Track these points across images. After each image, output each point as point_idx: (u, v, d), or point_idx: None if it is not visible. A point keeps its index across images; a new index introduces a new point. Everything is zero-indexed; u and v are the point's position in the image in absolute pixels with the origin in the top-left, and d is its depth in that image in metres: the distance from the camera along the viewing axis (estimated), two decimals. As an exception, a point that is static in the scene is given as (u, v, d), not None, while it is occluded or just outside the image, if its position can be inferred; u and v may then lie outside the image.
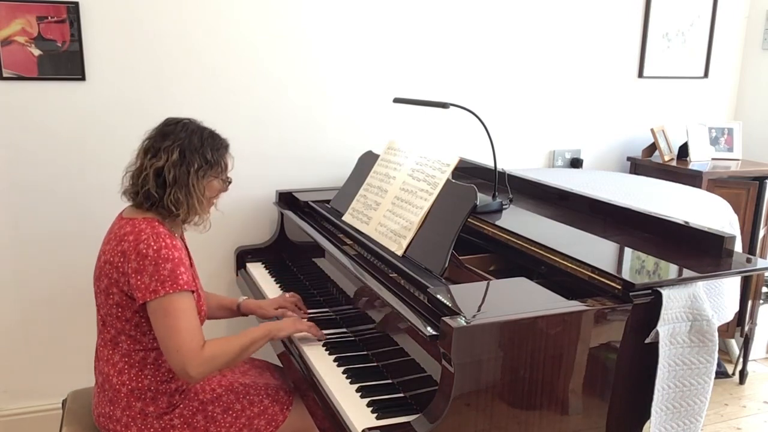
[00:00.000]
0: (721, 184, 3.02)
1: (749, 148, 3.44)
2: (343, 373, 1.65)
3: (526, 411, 1.39)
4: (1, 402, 2.52)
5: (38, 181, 2.40)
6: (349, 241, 2.07)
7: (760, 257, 3.13)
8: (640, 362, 1.47)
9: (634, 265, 1.63)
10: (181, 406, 1.69)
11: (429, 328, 1.39)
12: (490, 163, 2.18)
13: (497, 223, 1.92)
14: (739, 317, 3.07)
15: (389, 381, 1.60)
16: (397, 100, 2.41)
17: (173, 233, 1.68)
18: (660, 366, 1.44)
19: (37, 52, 2.30)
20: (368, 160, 2.29)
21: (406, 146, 2.13)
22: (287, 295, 2.06)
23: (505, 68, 3.01)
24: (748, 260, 1.71)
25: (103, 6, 2.35)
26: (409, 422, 1.33)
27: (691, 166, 3.10)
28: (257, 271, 2.47)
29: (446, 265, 1.66)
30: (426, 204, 1.84)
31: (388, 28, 2.75)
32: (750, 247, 3.11)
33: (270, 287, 2.29)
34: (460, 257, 1.78)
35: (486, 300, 1.46)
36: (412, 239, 1.81)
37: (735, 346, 3.32)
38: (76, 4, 2.31)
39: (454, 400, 1.28)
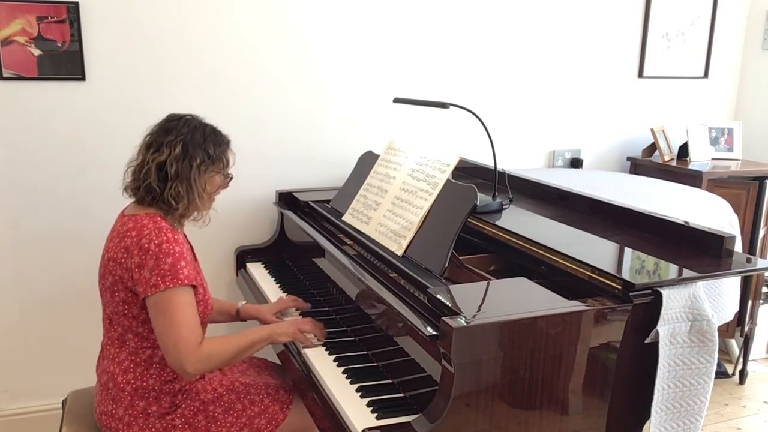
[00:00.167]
0: (721, 184, 3.02)
1: (749, 148, 3.44)
2: (343, 373, 1.65)
3: (526, 411, 1.39)
4: (1, 402, 2.52)
5: (38, 181, 2.40)
6: (349, 241, 2.07)
7: (760, 257, 3.13)
8: (640, 362, 1.47)
9: (634, 265, 1.63)
10: (183, 406, 1.69)
11: (429, 328, 1.39)
12: (490, 163, 2.18)
13: (497, 223, 1.92)
14: (739, 317, 3.07)
15: (389, 381, 1.60)
16: (397, 100, 2.41)
17: (175, 228, 1.69)
18: (660, 366, 1.44)
19: (37, 52, 2.30)
20: (368, 160, 2.29)
21: (406, 146, 2.13)
22: (285, 297, 2.06)
23: (505, 68, 3.01)
24: (748, 260, 1.71)
25: (103, 6, 2.35)
26: (409, 422, 1.33)
27: (691, 166, 3.10)
28: (257, 271, 2.47)
29: (446, 265, 1.66)
30: (426, 204, 1.84)
31: (388, 28, 2.76)
32: (750, 247, 3.12)
33: (270, 287, 2.29)
34: (460, 257, 1.78)
35: (486, 300, 1.46)
36: (412, 239, 1.81)
37: (735, 346, 3.32)
38: (76, 4, 2.31)
39: (454, 400, 1.29)
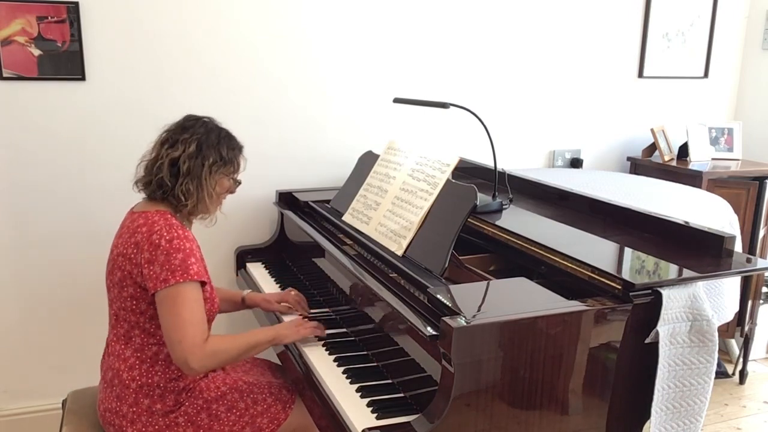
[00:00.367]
0: (721, 184, 3.02)
1: (749, 148, 3.44)
2: (343, 373, 1.65)
3: (526, 411, 1.39)
4: (1, 402, 2.52)
5: (38, 181, 2.40)
6: (349, 241, 2.07)
7: (760, 257, 3.13)
8: (640, 362, 1.47)
9: (634, 265, 1.63)
10: (187, 404, 1.70)
11: (429, 328, 1.39)
12: (490, 163, 2.18)
13: (497, 223, 1.92)
14: (739, 317, 3.07)
15: (389, 381, 1.60)
16: (397, 100, 2.41)
17: (185, 226, 1.71)
18: (660, 366, 1.44)
19: (37, 52, 2.30)
20: (368, 160, 2.29)
21: (406, 146, 2.13)
22: (292, 292, 2.07)
23: (505, 68, 3.01)
24: (748, 260, 1.71)
25: (103, 6, 2.35)
26: (409, 422, 1.33)
27: (691, 166, 3.10)
28: (257, 271, 2.47)
29: (446, 265, 1.66)
30: (426, 204, 1.84)
31: (388, 28, 2.75)
32: (750, 247, 3.11)
33: (270, 287, 2.29)
34: (460, 257, 1.78)
35: (486, 300, 1.46)
36: (412, 239, 1.81)
37: (735, 346, 3.32)
38: (76, 4, 2.31)
39: (454, 400, 1.29)
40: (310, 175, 2.75)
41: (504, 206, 2.10)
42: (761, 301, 3.20)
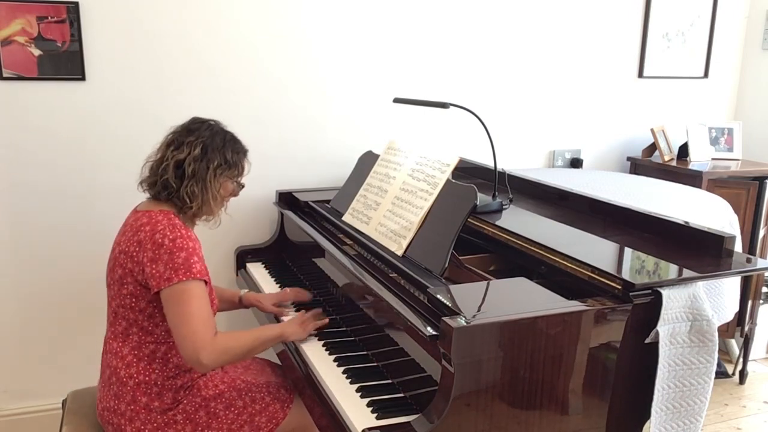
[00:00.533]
0: (721, 184, 3.02)
1: (749, 148, 3.44)
2: (343, 373, 1.65)
3: (526, 411, 1.39)
4: (1, 402, 2.52)
5: (38, 181, 2.40)
6: (349, 241, 2.07)
7: (760, 257, 3.13)
8: (640, 362, 1.47)
9: (634, 265, 1.63)
10: (185, 402, 1.70)
11: (429, 328, 1.39)
12: (490, 163, 2.18)
13: (497, 223, 1.92)
14: (739, 317, 3.07)
15: (389, 381, 1.60)
16: (397, 100, 2.41)
17: (188, 226, 1.73)
18: (660, 366, 1.44)
19: (37, 52, 2.30)
20: (368, 160, 2.29)
21: (406, 146, 2.13)
22: (288, 290, 2.09)
23: (505, 68, 3.01)
24: (748, 260, 1.71)
25: (103, 6, 2.35)
26: (409, 422, 1.33)
27: (691, 166, 3.10)
28: (257, 271, 2.47)
29: (446, 265, 1.66)
30: (426, 204, 1.84)
31: (388, 28, 2.75)
32: (750, 247, 3.11)
33: (270, 287, 2.29)
34: (460, 257, 1.78)
35: (486, 300, 1.46)
36: (412, 239, 1.81)
37: (735, 346, 3.32)
38: (76, 4, 2.31)
39: (454, 400, 1.29)
40: (310, 175, 2.75)
41: (504, 206, 2.10)
42: (761, 301, 3.20)
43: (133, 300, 1.66)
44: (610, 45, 3.20)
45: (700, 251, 1.69)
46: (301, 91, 2.68)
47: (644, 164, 3.27)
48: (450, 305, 1.38)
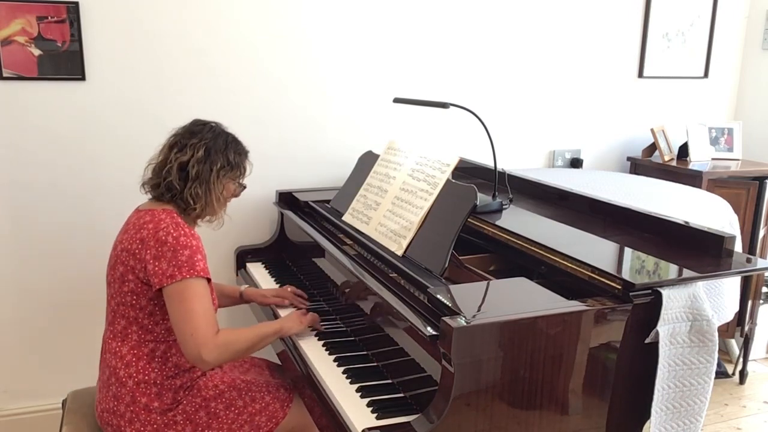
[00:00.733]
0: (721, 184, 3.02)
1: (749, 148, 3.44)
2: (343, 373, 1.65)
3: (526, 411, 1.39)
4: (1, 402, 2.52)
5: (38, 181, 2.40)
6: (349, 241, 2.07)
7: (760, 257, 3.13)
8: (640, 362, 1.47)
9: (634, 265, 1.63)
10: (185, 402, 1.70)
11: (429, 328, 1.39)
12: (490, 163, 2.18)
13: (497, 223, 1.92)
14: (739, 317, 3.07)
15: (389, 381, 1.60)
16: (397, 100, 2.41)
17: (190, 226, 1.74)
18: (660, 366, 1.44)
19: (37, 52, 2.30)
20: (368, 160, 2.29)
21: (406, 146, 2.13)
22: (288, 288, 2.11)
23: (505, 68, 3.01)
24: (748, 260, 1.71)
25: (103, 6, 2.35)
26: (409, 422, 1.33)
27: (691, 166, 3.10)
28: (257, 271, 2.47)
29: (446, 265, 1.66)
30: (426, 204, 1.84)
31: (388, 28, 2.75)
32: (750, 247, 3.11)
33: (270, 287, 2.29)
34: (460, 257, 1.78)
35: (486, 300, 1.46)
36: (412, 239, 1.81)
37: (735, 346, 3.32)
38: (76, 4, 2.31)
39: (454, 400, 1.29)
40: (310, 175, 2.75)
41: (504, 206, 2.10)
42: (761, 301, 3.20)
43: (134, 298, 1.66)
44: (610, 45, 3.20)
45: (700, 251, 1.69)
46: (301, 91, 2.68)
47: (644, 164, 3.27)
48: (450, 305, 1.38)
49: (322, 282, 2.12)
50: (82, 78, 2.37)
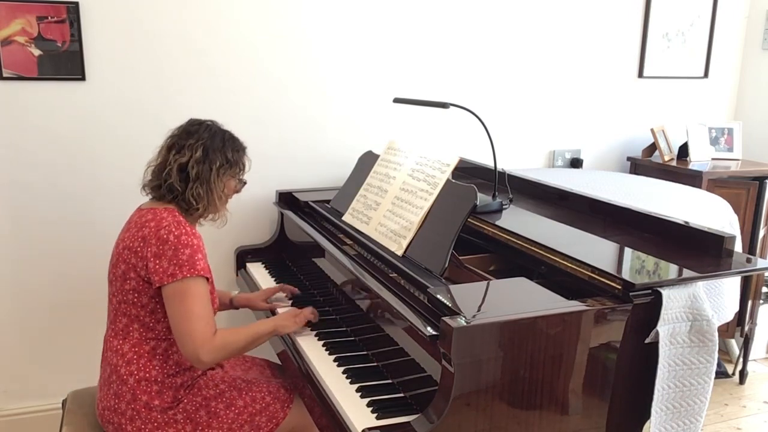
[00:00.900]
0: (721, 184, 3.02)
1: (749, 148, 3.44)
2: (343, 373, 1.65)
3: (526, 411, 1.39)
4: (1, 402, 2.52)
5: (38, 181, 2.40)
6: (349, 241, 2.07)
7: (760, 257, 3.13)
8: (640, 362, 1.47)
9: (634, 265, 1.63)
10: (185, 401, 1.71)
11: (429, 328, 1.39)
12: (490, 163, 2.18)
13: (497, 223, 1.92)
14: (739, 317, 3.07)
15: (389, 381, 1.60)
16: (397, 100, 2.41)
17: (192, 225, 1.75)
18: (660, 366, 1.44)
19: (37, 52, 2.30)
20: (368, 160, 2.29)
21: (406, 146, 2.13)
22: (276, 285, 2.14)
23: (505, 68, 3.01)
24: (748, 260, 1.71)
25: (103, 6, 2.35)
26: (409, 422, 1.33)
27: (691, 166, 3.10)
28: (257, 271, 2.47)
29: (446, 265, 1.66)
30: (426, 204, 1.84)
31: (388, 28, 2.75)
32: (750, 247, 3.11)
33: (270, 287, 2.29)
34: (460, 257, 1.78)
35: (486, 300, 1.46)
36: (412, 239, 1.81)
37: (735, 346, 3.32)
38: (76, 4, 2.31)
39: (454, 400, 1.29)
40: (310, 175, 2.75)
41: (504, 206, 2.10)
42: (761, 301, 3.20)
43: (136, 295, 1.67)
44: (610, 45, 3.20)
45: (700, 251, 1.69)
46: (301, 91, 2.68)
47: (644, 164, 3.27)
48: (450, 305, 1.38)
49: (322, 282, 2.12)
50: (82, 78, 2.37)
